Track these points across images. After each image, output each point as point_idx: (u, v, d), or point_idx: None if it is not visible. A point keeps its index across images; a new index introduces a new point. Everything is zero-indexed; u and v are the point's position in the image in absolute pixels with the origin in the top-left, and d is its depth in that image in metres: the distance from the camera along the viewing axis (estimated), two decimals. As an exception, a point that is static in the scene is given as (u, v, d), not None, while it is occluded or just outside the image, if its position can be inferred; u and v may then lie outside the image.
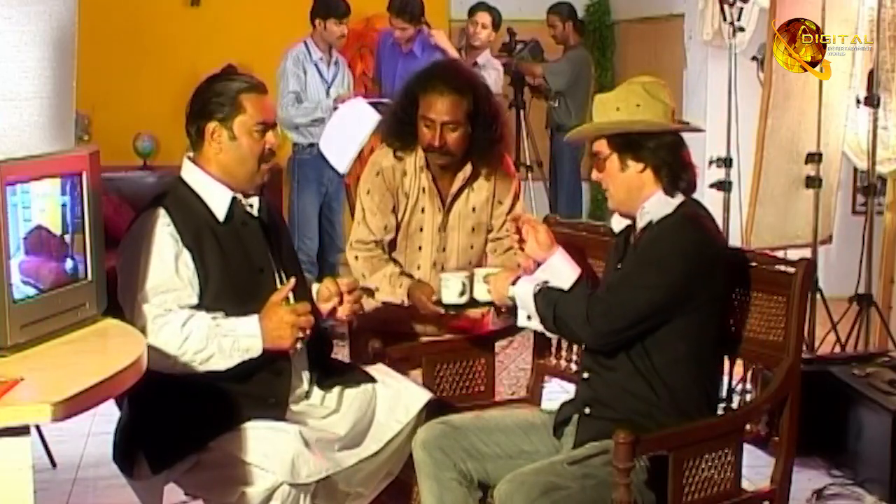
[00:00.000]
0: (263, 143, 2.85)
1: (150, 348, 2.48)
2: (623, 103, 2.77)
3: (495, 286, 3.02)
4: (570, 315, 2.75)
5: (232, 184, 2.86)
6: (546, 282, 2.87)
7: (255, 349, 2.74)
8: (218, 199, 2.85)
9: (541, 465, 2.64)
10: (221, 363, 2.72)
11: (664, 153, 2.75)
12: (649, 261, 2.71)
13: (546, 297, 2.82)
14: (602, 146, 2.78)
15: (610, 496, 2.51)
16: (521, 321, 2.93)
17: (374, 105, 6.07)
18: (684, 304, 2.68)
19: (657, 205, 2.75)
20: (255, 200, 2.91)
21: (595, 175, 2.84)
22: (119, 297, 2.76)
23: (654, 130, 2.75)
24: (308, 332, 2.78)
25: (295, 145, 6.22)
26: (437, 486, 2.76)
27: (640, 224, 2.78)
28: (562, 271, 2.89)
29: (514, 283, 2.93)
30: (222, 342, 2.71)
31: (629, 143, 2.75)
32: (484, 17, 6.64)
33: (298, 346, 2.79)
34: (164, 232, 2.76)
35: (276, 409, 2.80)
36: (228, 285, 2.79)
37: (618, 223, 2.91)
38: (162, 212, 2.79)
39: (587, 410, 2.78)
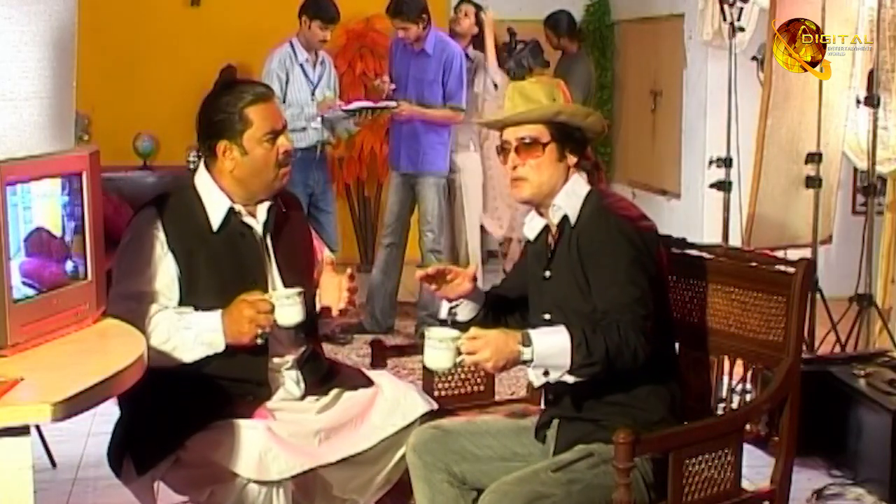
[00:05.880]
0: (276, 149, 2.86)
1: None
2: (549, 97, 2.72)
3: (494, 349, 2.50)
4: (620, 356, 2.53)
5: (246, 195, 2.88)
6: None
7: (217, 343, 2.75)
8: (215, 208, 2.86)
9: (524, 473, 2.60)
10: (185, 356, 2.74)
11: (589, 151, 2.77)
12: (603, 261, 2.61)
13: (587, 346, 2.51)
14: (541, 132, 2.70)
15: (597, 499, 2.50)
16: (538, 380, 2.57)
17: (357, 110, 6.10)
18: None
19: (566, 198, 2.72)
20: (262, 209, 2.89)
21: (519, 160, 2.70)
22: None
23: (596, 128, 2.75)
24: (267, 328, 2.76)
25: None
26: (429, 488, 2.76)
27: (554, 220, 2.74)
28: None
29: (522, 342, 2.51)
30: (184, 335, 2.73)
31: (571, 134, 2.71)
32: (468, 8, 6.69)
33: (259, 341, 2.78)
34: (151, 234, 2.79)
35: (253, 406, 2.80)
36: (217, 294, 2.79)
37: (531, 230, 2.84)
38: (153, 213, 2.82)
39: (567, 414, 2.74)
